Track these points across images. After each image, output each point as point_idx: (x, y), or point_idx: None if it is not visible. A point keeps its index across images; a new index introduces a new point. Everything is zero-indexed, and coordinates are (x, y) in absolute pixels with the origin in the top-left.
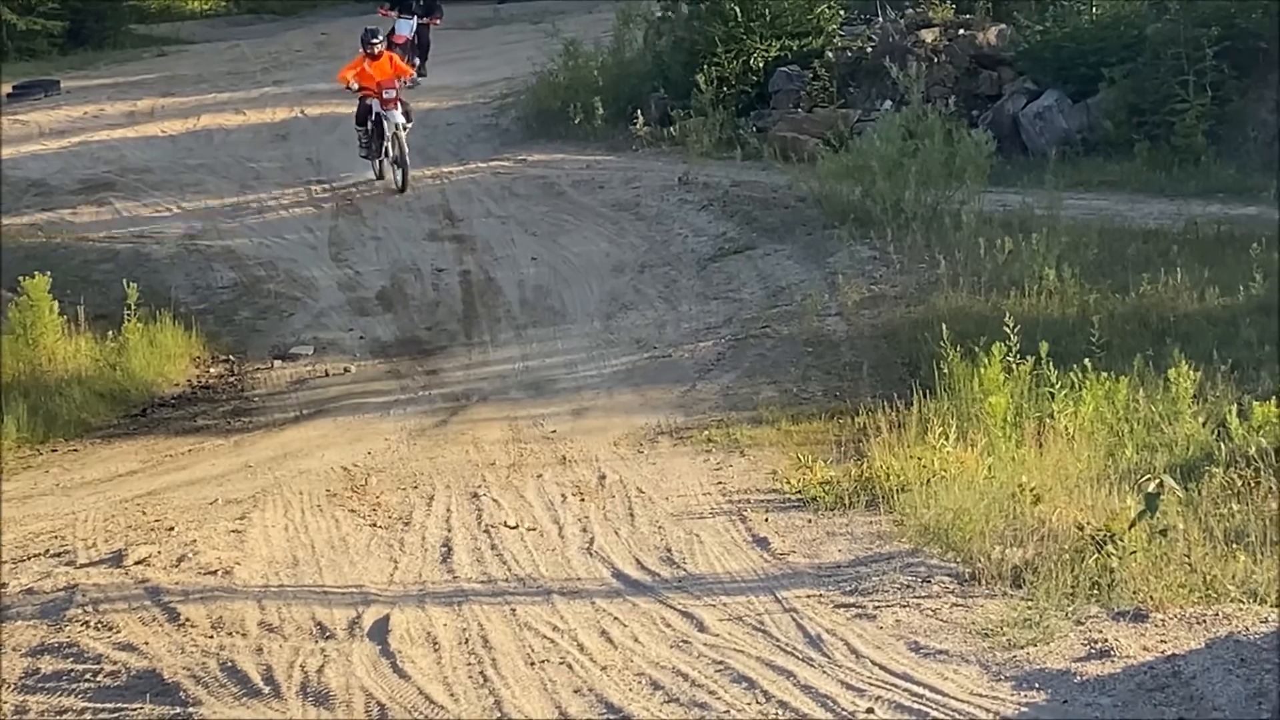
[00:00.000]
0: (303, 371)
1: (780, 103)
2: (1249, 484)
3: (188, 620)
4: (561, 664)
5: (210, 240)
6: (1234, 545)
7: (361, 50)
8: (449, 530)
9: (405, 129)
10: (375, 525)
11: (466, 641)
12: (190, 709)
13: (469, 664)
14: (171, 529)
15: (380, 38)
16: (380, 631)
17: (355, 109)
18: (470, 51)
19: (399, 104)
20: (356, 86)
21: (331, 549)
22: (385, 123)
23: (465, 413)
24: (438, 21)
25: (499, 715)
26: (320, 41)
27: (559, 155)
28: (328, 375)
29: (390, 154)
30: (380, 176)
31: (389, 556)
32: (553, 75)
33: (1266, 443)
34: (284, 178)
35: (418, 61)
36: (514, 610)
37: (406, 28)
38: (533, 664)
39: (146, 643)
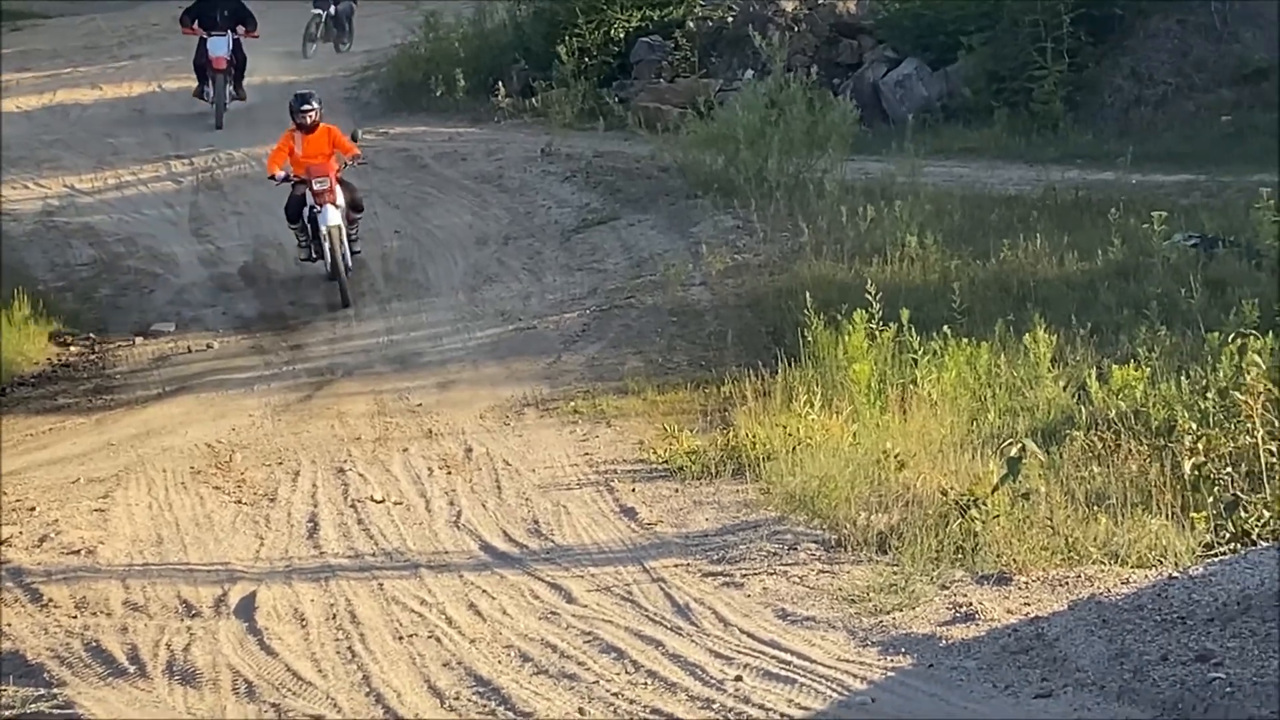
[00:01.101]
0: (165, 348)
1: (642, 73)
2: (1109, 447)
3: (51, 601)
4: (430, 638)
5: (69, 217)
6: (1095, 507)
7: (291, 123)
8: (315, 506)
9: (348, 236)
10: (240, 502)
11: (334, 617)
12: (55, 690)
13: (336, 639)
14: (33, 509)
15: (314, 103)
16: (247, 609)
17: (286, 197)
18: None
19: (337, 195)
20: (283, 175)
21: (196, 526)
22: (319, 222)
23: (330, 387)
24: (255, 34)
25: (367, 690)
26: (177, 14)
27: (421, 128)
28: (190, 351)
29: (326, 260)
30: (332, 277)
31: (255, 533)
32: (413, 48)
33: (1126, 406)
34: (142, 153)
35: (231, 90)
36: (381, 585)
37: (221, 47)
38: (401, 638)
39: (9, 624)
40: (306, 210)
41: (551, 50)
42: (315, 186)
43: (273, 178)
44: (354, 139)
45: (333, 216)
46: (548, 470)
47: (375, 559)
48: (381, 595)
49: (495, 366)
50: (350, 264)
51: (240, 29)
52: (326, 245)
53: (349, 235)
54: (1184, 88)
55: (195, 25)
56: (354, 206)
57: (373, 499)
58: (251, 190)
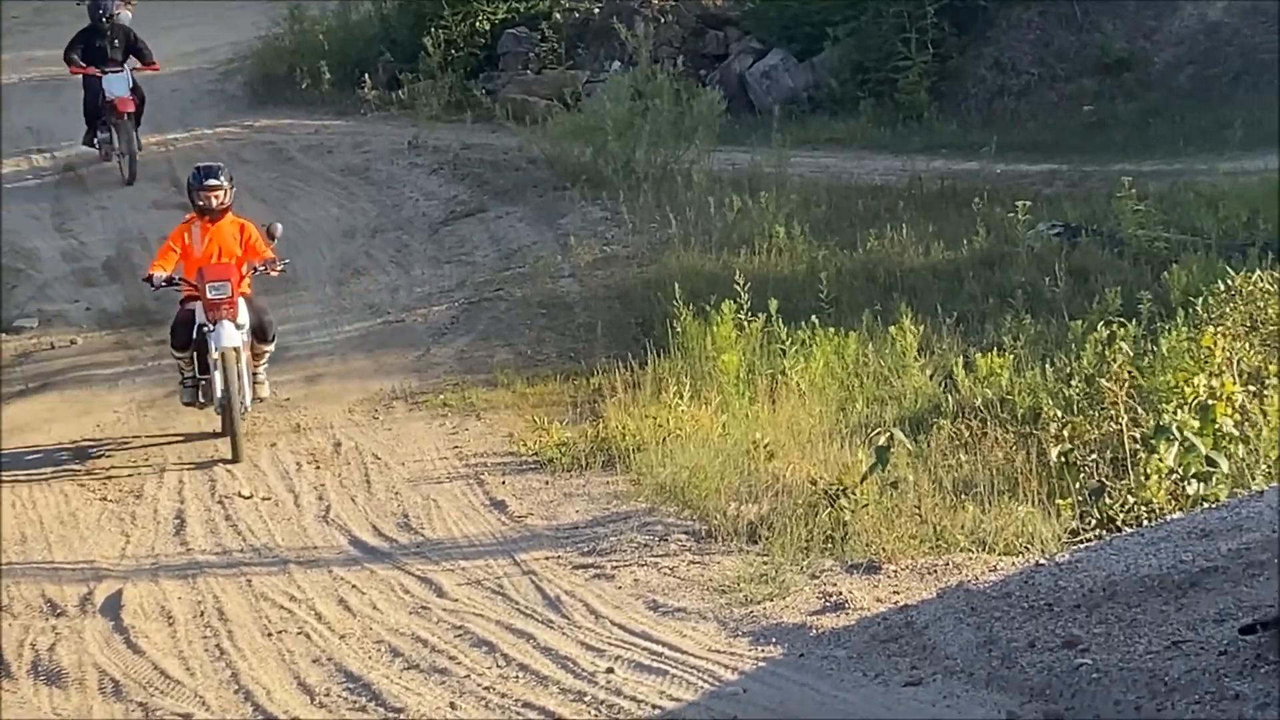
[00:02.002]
0: (27, 344)
1: (509, 65)
2: (976, 435)
3: None
4: (299, 634)
5: None
6: (963, 495)
7: (191, 205)
8: (182, 502)
9: (253, 373)
10: (105, 499)
11: (202, 614)
12: None
13: (205, 637)
14: None
15: (222, 179)
16: (113, 607)
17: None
18: (192, 17)
19: (240, 310)
20: (164, 279)
21: (61, 524)
22: (210, 344)
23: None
24: (158, 67)
25: (236, 688)
26: (39, 8)
27: (287, 120)
28: (53, 348)
29: (217, 401)
30: (223, 429)
31: (120, 530)
32: (278, 39)
33: (992, 394)
34: (3, 147)
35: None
36: (250, 581)
37: (121, 87)
38: (270, 635)
39: None
40: (196, 330)
41: (418, 42)
42: (210, 295)
43: (149, 280)
44: (271, 237)
45: (229, 336)
46: (417, 464)
47: (243, 555)
48: (250, 592)
49: (363, 360)
50: (248, 407)
51: (137, 62)
52: (218, 374)
53: (254, 373)
54: (1046, 78)
55: (85, 63)
56: (260, 333)
57: (240, 495)
58: (115, 185)
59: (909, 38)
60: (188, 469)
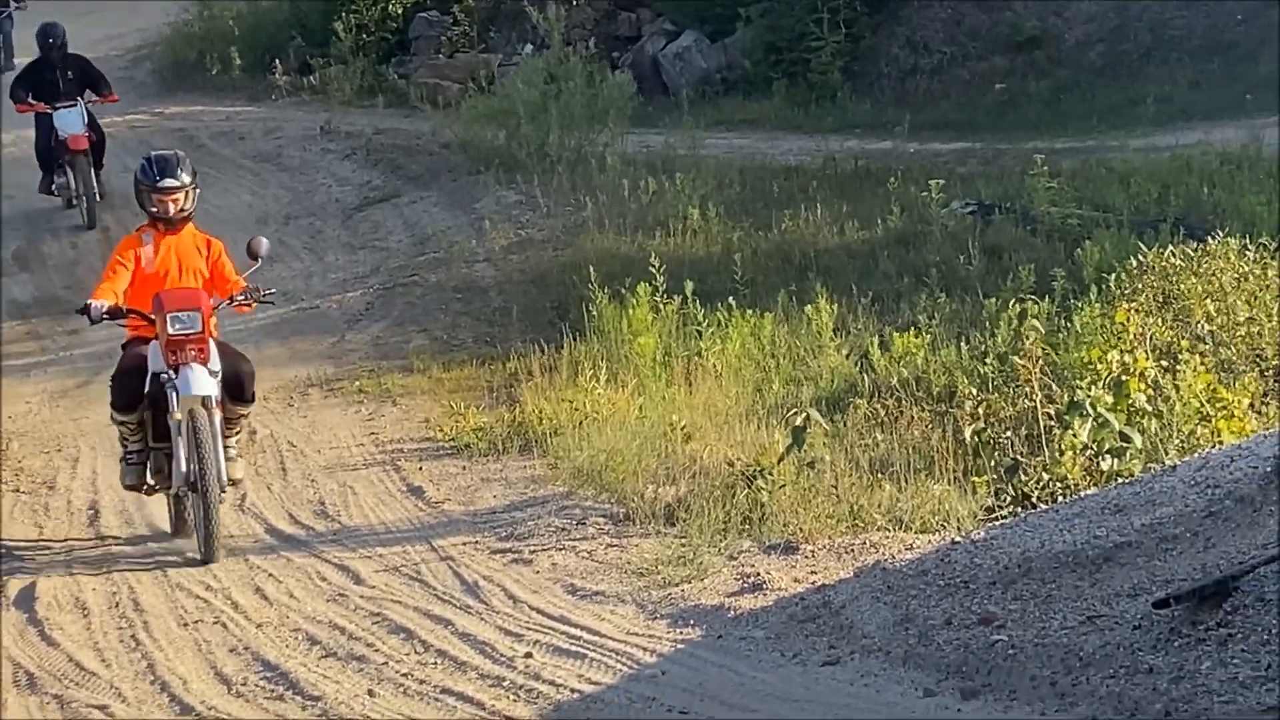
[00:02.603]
0: None
1: (421, 49)
2: (892, 414)
3: None
4: (216, 623)
5: None
6: (879, 474)
7: (142, 210)
8: (95, 493)
9: (223, 439)
10: (18, 490)
11: (117, 605)
12: None
13: (120, 628)
14: None
15: (184, 175)
16: (27, 599)
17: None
18: (98, 3)
19: (210, 353)
20: (103, 309)
21: None
22: (175, 393)
23: (109, 373)
24: (115, 98)
25: (152, 678)
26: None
27: (197, 107)
28: None
29: (183, 478)
30: (177, 530)
31: (33, 522)
32: (187, 25)
33: (907, 373)
34: None
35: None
36: (165, 572)
37: (75, 122)
38: (186, 625)
39: None
40: (150, 380)
41: (329, 27)
42: (173, 330)
43: (85, 312)
44: (254, 257)
45: (200, 382)
46: (333, 451)
47: (158, 545)
48: (165, 582)
49: (278, 347)
50: (224, 488)
51: (93, 95)
52: (182, 441)
53: (225, 439)
54: (959, 56)
55: (32, 99)
56: (237, 389)
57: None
58: (23, 171)
59: (821, 18)
60: (101, 459)
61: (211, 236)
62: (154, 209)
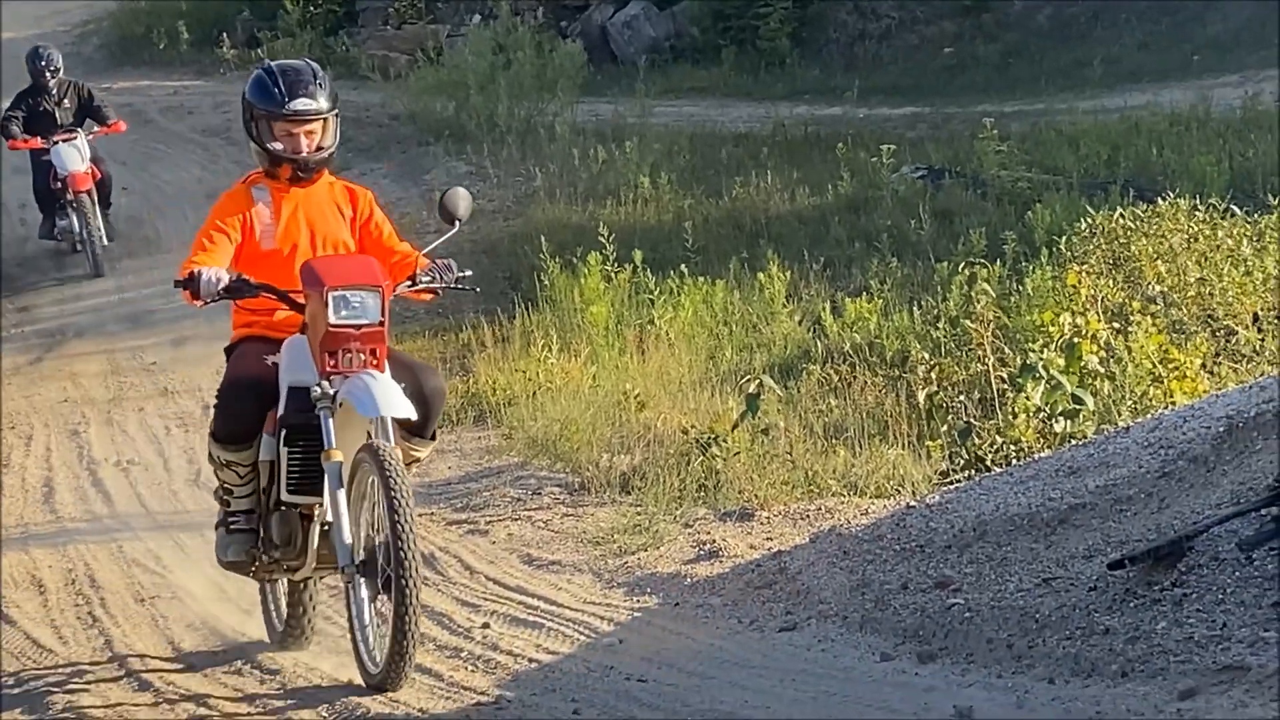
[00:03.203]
0: None
1: (369, 20)
2: (845, 379)
3: None
4: (173, 599)
5: None
6: (833, 440)
7: (259, 153)
8: (50, 470)
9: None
10: None
11: (73, 582)
12: None
13: (77, 605)
14: None
15: (320, 87)
16: None
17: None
18: None
19: (385, 351)
20: (218, 284)
21: None
22: (328, 424)
23: (61, 349)
24: (120, 126)
25: (110, 655)
26: None
27: (145, 82)
28: None
29: (348, 555)
30: (287, 636)
31: None
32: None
33: (860, 338)
34: None
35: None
36: (121, 548)
37: (74, 158)
38: (143, 600)
39: None
40: (283, 404)
41: (276, 0)
42: (335, 318)
43: (187, 285)
44: (449, 217)
45: (388, 399)
46: None
47: (114, 522)
48: (122, 558)
49: (230, 321)
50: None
51: (95, 125)
52: (343, 493)
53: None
54: (907, 21)
55: (26, 133)
56: (422, 420)
57: (109, 461)
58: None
59: None
60: (55, 435)
61: (356, 185)
62: (278, 146)
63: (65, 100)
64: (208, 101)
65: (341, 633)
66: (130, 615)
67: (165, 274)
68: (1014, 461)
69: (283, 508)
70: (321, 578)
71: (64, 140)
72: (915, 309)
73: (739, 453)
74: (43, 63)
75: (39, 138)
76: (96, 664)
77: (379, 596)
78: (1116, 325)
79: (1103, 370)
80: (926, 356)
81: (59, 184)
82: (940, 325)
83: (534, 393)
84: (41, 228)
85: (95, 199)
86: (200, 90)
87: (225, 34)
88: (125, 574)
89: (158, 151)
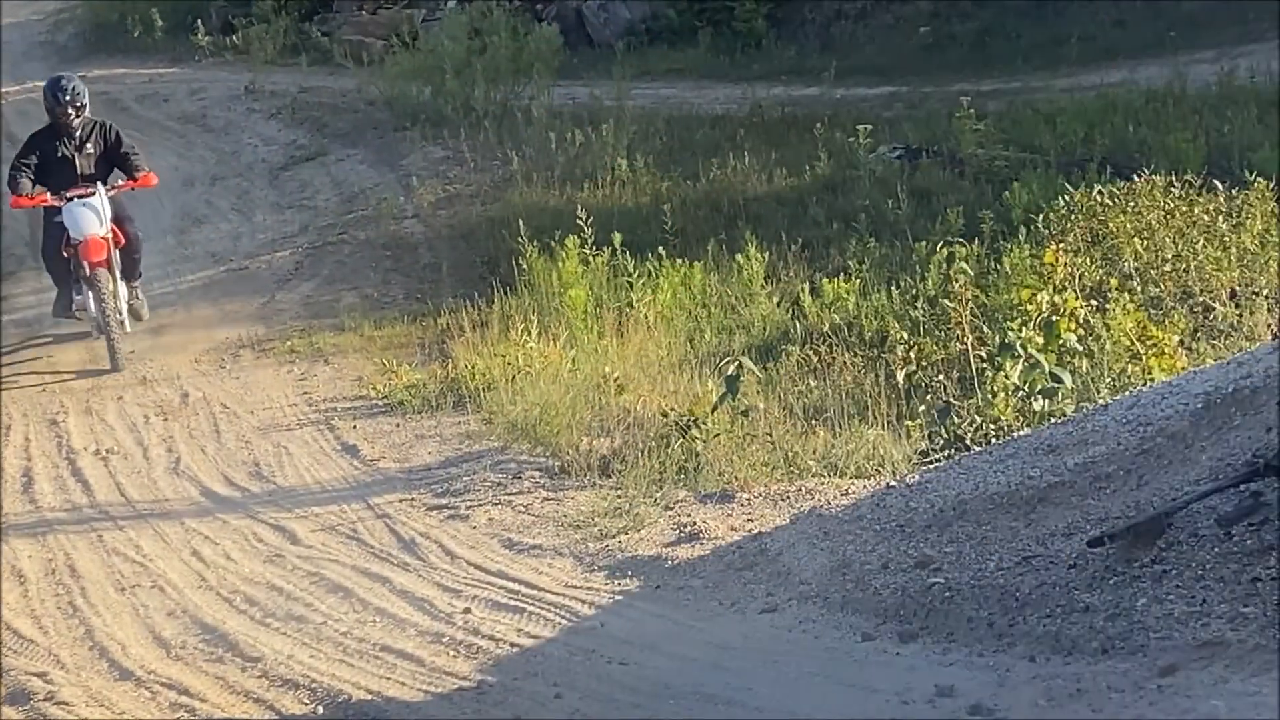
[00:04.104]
0: None
1: (344, 6)
2: (824, 360)
3: None
4: (153, 587)
5: None
6: (813, 421)
7: None
8: (28, 459)
9: None
10: None
11: (53, 572)
12: None
13: (57, 595)
14: None
15: None
16: None
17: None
18: None
19: None
20: None
21: None
22: None
23: (38, 338)
24: (151, 179)
25: (91, 644)
26: None
27: (120, 70)
28: None
29: None
30: None
31: None
32: None
33: (839, 318)
34: None
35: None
36: (101, 537)
37: (91, 220)
38: (123, 590)
39: None
40: None
41: None
42: None
43: None
44: None
45: None
46: (267, 411)
47: (94, 511)
48: (102, 547)
49: (208, 309)
50: None
51: (120, 178)
52: None
53: None
54: (883, 1)
55: (34, 187)
56: None
57: (88, 450)
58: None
59: None
60: (33, 425)
61: None
62: None
63: (89, 145)
64: (183, 89)
65: (323, 619)
66: (110, 604)
67: (143, 262)
68: (993, 440)
69: None
70: None
71: (80, 197)
72: (894, 289)
73: (719, 435)
74: (66, 97)
75: (49, 193)
76: (77, 653)
77: None
78: (1094, 303)
79: (1081, 348)
80: (905, 336)
81: (70, 251)
82: (919, 305)
83: (513, 377)
84: (56, 304)
85: (115, 272)
86: (175, 78)
87: (199, 21)
88: (105, 563)
89: (134, 139)
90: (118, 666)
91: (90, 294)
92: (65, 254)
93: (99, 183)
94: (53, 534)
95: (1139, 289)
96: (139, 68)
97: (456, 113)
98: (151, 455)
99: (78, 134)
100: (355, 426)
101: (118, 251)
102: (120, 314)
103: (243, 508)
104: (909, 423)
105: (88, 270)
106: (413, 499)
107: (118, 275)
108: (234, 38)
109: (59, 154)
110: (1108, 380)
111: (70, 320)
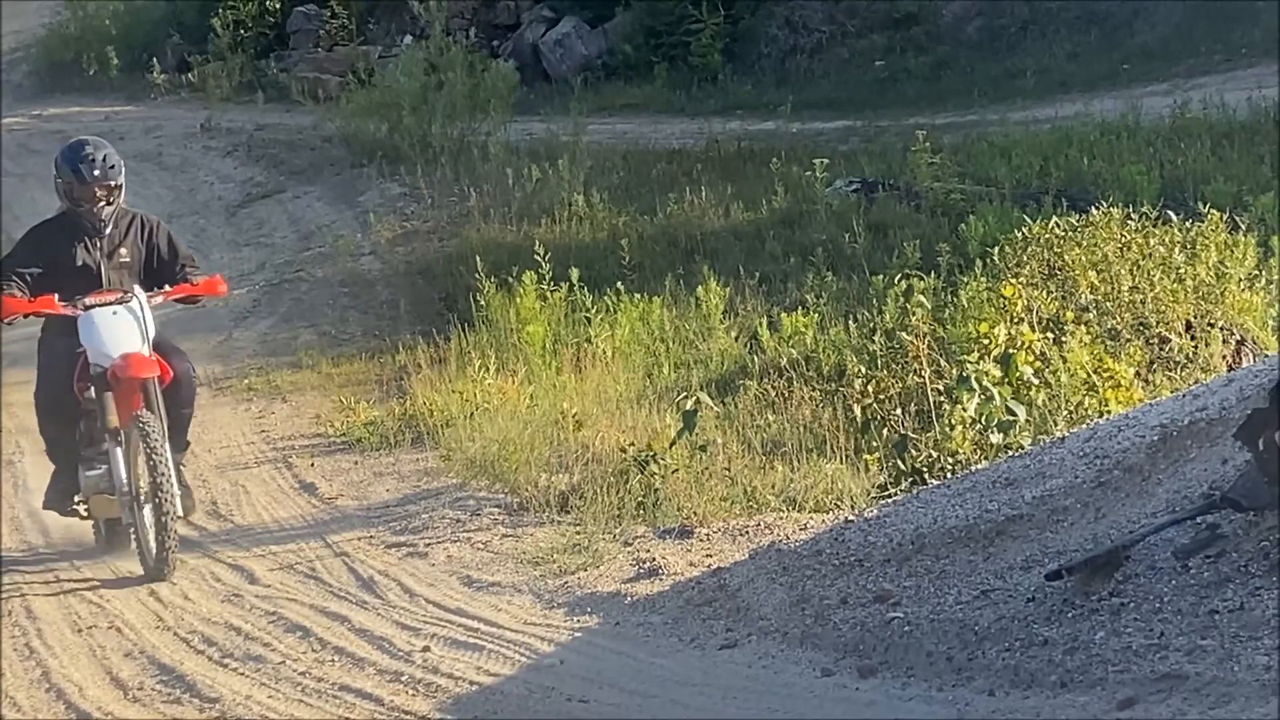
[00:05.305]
0: None
1: (300, 43)
2: (782, 394)
3: None
4: (110, 628)
5: None
6: (772, 455)
7: None
8: None
9: None
10: None
11: (9, 614)
12: None
13: (13, 637)
14: None
15: None
16: None
17: None
18: None
19: None
20: None
21: None
22: None
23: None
24: (219, 285)
25: (48, 686)
26: None
27: (76, 108)
28: None
29: None
30: None
31: None
32: (63, 26)
33: (796, 352)
34: None
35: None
36: (57, 577)
37: (125, 332)
38: (80, 631)
39: None
40: None
41: (206, 24)
42: None
43: None
44: None
45: None
46: (224, 450)
47: (49, 552)
48: (58, 588)
49: None
50: None
51: (165, 285)
52: None
53: None
54: (838, 35)
55: (34, 289)
56: None
57: (43, 490)
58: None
59: (700, 0)
60: None
61: None
62: None
63: (122, 249)
64: (138, 126)
65: (281, 659)
66: (68, 646)
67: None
68: (951, 474)
69: None
70: None
71: (109, 303)
72: (851, 322)
73: (677, 470)
74: (95, 172)
75: (57, 299)
76: (34, 695)
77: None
78: (1051, 335)
79: (1038, 381)
80: (863, 370)
81: (87, 389)
82: (876, 338)
83: (471, 413)
84: (52, 489)
85: (161, 421)
86: (131, 115)
87: (155, 59)
88: (62, 604)
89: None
90: (75, 709)
91: (118, 456)
92: (78, 393)
93: (133, 289)
94: (9, 576)
95: (1095, 321)
96: (95, 106)
97: (413, 149)
98: None
99: (107, 231)
100: (313, 464)
101: (157, 391)
102: (171, 484)
103: (200, 547)
104: (867, 456)
105: (115, 420)
106: (371, 537)
107: (157, 427)
108: (190, 75)
109: (78, 261)
110: (1064, 413)
111: (72, 517)
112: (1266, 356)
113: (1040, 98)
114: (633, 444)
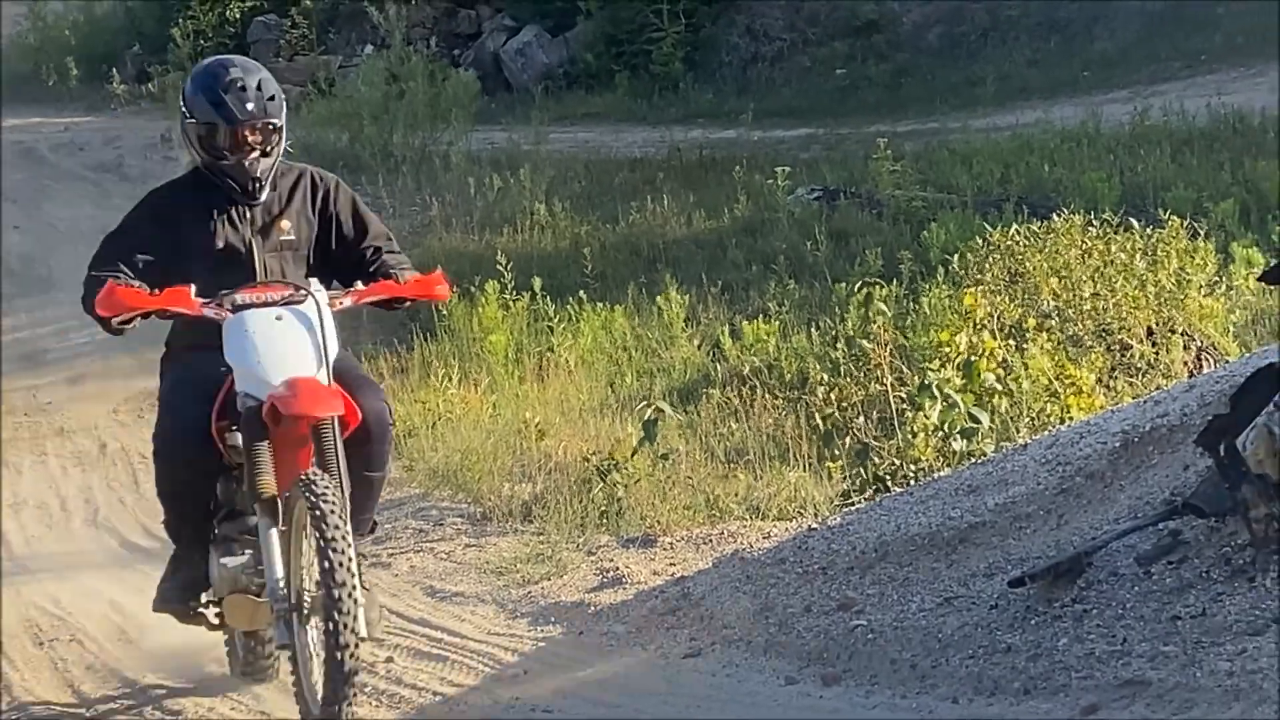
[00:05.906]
0: None
1: (260, 53)
2: (745, 402)
3: None
4: (72, 641)
5: None
6: (734, 464)
7: None
8: None
9: None
10: None
11: None
12: None
13: None
14: None
15: None
16: None
17: None
18: None
19: None
20: None
21: None
22: None
23: None
24: (441, 290)
25: (10, 700)
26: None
27: (35, 119)
28: None
29: None
30: None
31: None
32: (21, 36)
33: (759, 360)
34: None
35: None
36: (19, 590)
37: (294, 347)
38: (42, 644)
39: None
40: None
41: (166, 34)
42: None
43: None
44: None
45: None
46: None
47: (11, 564)
48: (19, 601)
49: (127, 359)
50: None
51: (351, 277)
52: None
53: None
54: (799, 43)
55: (151, 282)
56: None
57: (5, 502)
58: None
59: (661, 8)
60: None
61: None
62: None
63: (284, 220)
64: (99, 137)
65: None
66: (30, 659)
67: (60, 312)
68: (914, 481)
69: None
70: None
71: (271, 303)
72: (813, 330)
73: (640, 479)
74: (249, 105)
75: (198, 296)
76: None
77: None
78: (1013, 342)
79: (1000, 387)
80: (825, 377)
81: (230, 428)
82: (838, 346)
83: (434, 423)
84: (165, 584)
85: (343, 490)
86: (91, 126)
87: (115, 69)
88: (23, 617)
89: (49, 189)
90: None
91: (273, 539)
92: (217, 437)
93: (309, 283)
94: None
95: (1057, 328)
96: (55, 117)
97: (375, 159)
98: (70, 507)
99: (263, 195)
100: None
101: (341, 443)
102: (353, 588)
103: (162, 559)
104: (830, 464)
105: (271, 483)
106: None
107: (347, 493)
108: (150, 86)
109: (218, 241)
110: (1027, 420)
111: (194, 622)
112: (1227, 362)
113: (1001, 105)
114: (596, 453)
